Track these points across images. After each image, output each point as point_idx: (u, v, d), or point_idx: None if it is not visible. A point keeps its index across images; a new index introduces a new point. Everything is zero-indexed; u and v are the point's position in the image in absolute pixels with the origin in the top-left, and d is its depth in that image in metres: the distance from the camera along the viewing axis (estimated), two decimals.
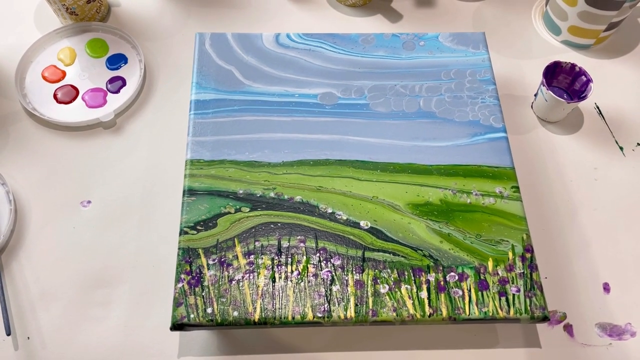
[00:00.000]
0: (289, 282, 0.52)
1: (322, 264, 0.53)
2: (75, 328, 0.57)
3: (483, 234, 0.55)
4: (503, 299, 0.52)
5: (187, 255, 0.53)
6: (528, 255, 0.54)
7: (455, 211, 0.56)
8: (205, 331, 0.57)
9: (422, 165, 0.59)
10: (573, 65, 0.69)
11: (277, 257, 0.53)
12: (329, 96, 0.63)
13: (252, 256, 0.53)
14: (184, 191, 0.57)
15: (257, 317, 0.51)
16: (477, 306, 0.52)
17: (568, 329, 0.59)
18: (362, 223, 0.55)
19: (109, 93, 0.72)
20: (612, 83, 0.75)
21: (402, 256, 0.54)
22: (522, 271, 0.53)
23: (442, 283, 0.53)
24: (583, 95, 0.68)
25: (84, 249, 0.62)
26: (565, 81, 0.71)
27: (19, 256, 0.61)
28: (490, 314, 0.51)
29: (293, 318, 0.51)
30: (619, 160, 0.69)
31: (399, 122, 0.61)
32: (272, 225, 0.55)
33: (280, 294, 0.52)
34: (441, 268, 0.53)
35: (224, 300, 0.51)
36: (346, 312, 0.51)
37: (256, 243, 0.54)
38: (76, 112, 0.70)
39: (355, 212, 0.56)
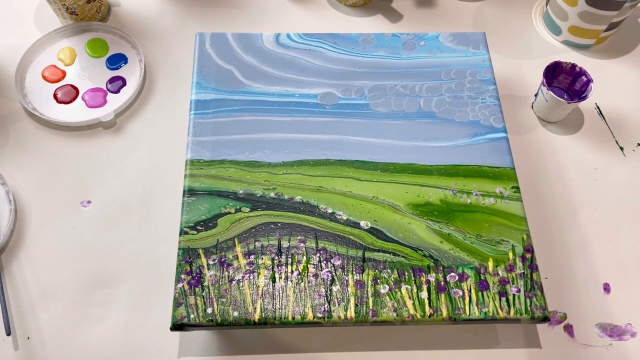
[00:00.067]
0: (289, 282, 0.52)
1: (322, 264, 0.53)
2: (75, 328, 0.57)
3: (483, 234, 0.55)
4: (503, 299, 0.52)
5: (187, 256, 0.53)
6: (528, 255, 0.54)
7: (456, 211, 0.56)
8: (205, 331, 0.57)
9: (422, 166, 0.59)
10: (573, 66, 0.69)
11: (277, 257, 0.53)
12: (329, 96, 0.63)
13: (252, 256, 0.53)
14: (184, 191, 0.57)
15: (257, 317, 0.50)
16: (477, 306, 0.52)
17: (568, 329, 0.59)
18: (362, 223, 0.55)
19: (109, 93, 0.72)
20: (613, 83, 0.75)
21: (402, 256, 0.54)
22: (522, 271, 0.53)
23: (442, 283, 0.52)
24: (583, 95, 0.68)
25: (84, 249, 0.62)
26: (566, 81, 0.71)
27: (19, 256, 0.61)
28: (491, 315, 0.51)
29: (293, 318, 0.51)
30: (620, 160, 0.69)
31: (399, 122, 0.61)
32: (272, 226, 0.55)
33: (281, 294, 0.52)
34: (441, 268, 0.53)
35: (224, 300, 0.51)
36: (346, 313, 0.51)
37: (256, 243, 0.54)
38: (76, 112, 0.70)
39: (355, 212, 0.56)
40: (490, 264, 0.54)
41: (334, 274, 0.53)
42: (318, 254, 0.54)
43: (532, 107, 0.73)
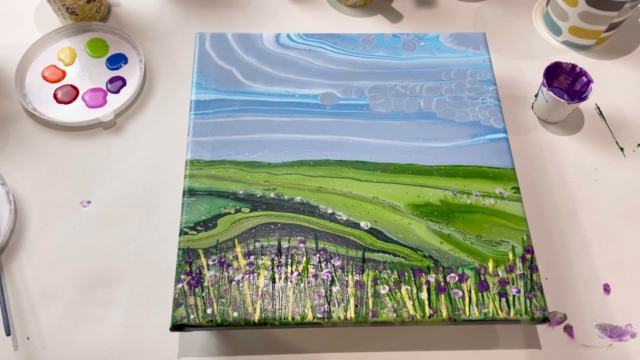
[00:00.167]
0: (289, 283, 0.52)
1: (322, 264, 0.53)
2: (75, 328, 0.57)
3: (483, 234, 0.55)
4: (503, 300, 0.52)
5: (187, 256, 0.53)
6: (528, 256, 0.54)
7: (456, 212, 0.56)
8: (205, 332, 0.57)
9: (422, 166, 0.59)
10: (574, 66, 0.69)
11: (277, 258, 0.53)
12: (329, 96, 0.63)
13: (252, 257, 0.53)
14: (184, 191, 0.57)
15: (257, 317, 0.50)
16: (477, 307, 0.52)
17: (568, 330, 0.59)
18: (362, 224, 0.55)
19: (109, 93, 0.72)
20: (613, 84, 0.75)
21: (402, 257, 0.54)
22: (522, 272, 0.53)
23: (442, 284, 0.52)
24: (584, 95, 0.68)
25: (84, 249, 0.62)
26: (566, 82, 0.71)
27: (19, 256, 0.61)
28: (491, 315, 0.51)
29: (293, 319, 0.51)
30: (620, 161, 0.69)
31: (399, 122, 0.61)
32: (272, 226, 0.55)
33: (280, 295, 0.52)
34: (441, 269, 0.53)
35: (224, 300, 0.51)
36: (346, 313, 0.51)
37: (256, 244, 0.54)
38: (76, 112, 0.70)
39: (355, 213, 0.56)
40: (490, 265, 0.54)
41: (333, 274, 0.53)
42: (318, 255, 0.54)
43: (532, 107, 0.73)
